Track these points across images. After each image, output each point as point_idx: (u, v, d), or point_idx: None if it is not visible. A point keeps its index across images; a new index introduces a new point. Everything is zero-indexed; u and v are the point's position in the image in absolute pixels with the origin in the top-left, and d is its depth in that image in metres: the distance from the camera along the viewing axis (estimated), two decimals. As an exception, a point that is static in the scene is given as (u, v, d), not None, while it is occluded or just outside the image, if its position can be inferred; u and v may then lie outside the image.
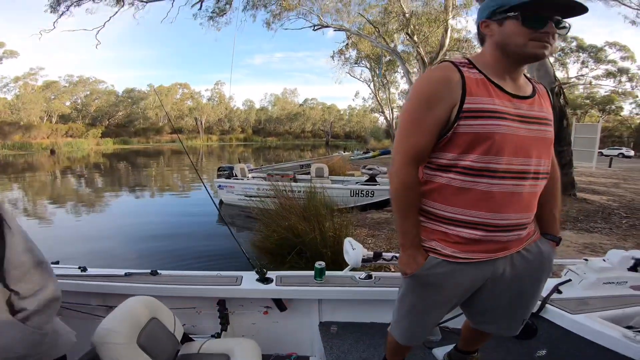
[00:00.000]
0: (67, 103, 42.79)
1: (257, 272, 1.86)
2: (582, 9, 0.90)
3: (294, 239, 3.97)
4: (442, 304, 1.10)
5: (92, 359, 1.20)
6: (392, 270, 3.06)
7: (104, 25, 13.66)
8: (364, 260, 1.78)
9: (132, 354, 1.25)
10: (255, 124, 59.76)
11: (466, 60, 0.98)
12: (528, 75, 1.06)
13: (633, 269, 1.68)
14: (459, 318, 1.54)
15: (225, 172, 8.69)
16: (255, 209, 5.26)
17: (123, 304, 1.44)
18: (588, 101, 33.52)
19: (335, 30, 17.67)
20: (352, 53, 25.04)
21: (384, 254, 1.83)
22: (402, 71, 20.68)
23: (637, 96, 31.04)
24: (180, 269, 2.17)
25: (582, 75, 29.39)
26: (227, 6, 14.49)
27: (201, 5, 14.26)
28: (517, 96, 0.96)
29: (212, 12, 14.63)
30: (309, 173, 9.23)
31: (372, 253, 1.82)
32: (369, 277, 1.87)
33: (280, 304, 1.82)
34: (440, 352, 1.63)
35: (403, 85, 31.98)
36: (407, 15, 15.11)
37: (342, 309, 1.86)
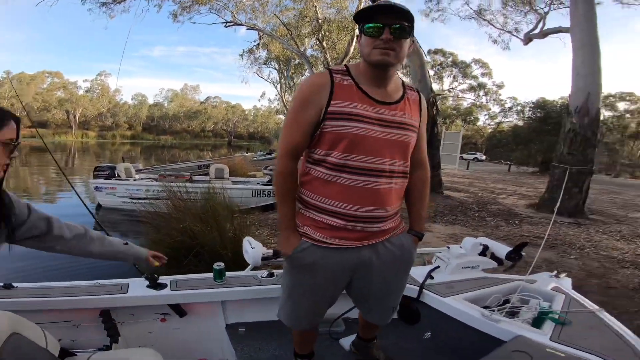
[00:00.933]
0: None
1: (146, 278, 1.69)
2: (409, 14, 1.00)
3: (190, 242, 3.73)
4: (317, 288, 1.19)
5: None
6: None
7: None
8: (264, 259, 1.77)
9: None
10: (147, 120, 53.76)
11: (344, 69, 1.09)
12: (409, 83, 1.21)
13: (482, 253, 1.97)
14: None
15: (104, 172, 7.55)
16: (144, 212, 4.75)
17: None
18: (454, 112, 40.11)
19: (248, 29, 17.20)
20: (262, 53, 24.78)
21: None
22: (308, 74, 21.38)
23: (489, 109, 38.57)
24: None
25: (453, 88, 34.90)
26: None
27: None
28: (380, 102, 1.06)
29: None
30: (207, 174, 8.74)
31: (271, 251, 1.82)
32: (271, 275, 1.85)
33: (179, 310, 1.69)
34: (346, 342, 1.71)
35: None
36: (320, 20, 15.68)
37: (248, 309, 1.82)
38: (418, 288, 1.69)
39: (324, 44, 16.43)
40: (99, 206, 7.53)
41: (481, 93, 34.21)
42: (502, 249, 1.93)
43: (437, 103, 8.93)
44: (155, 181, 7.41)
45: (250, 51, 23.57)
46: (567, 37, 7.06)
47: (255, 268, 1.89)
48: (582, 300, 1.56)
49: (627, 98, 31.44)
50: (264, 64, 27.19)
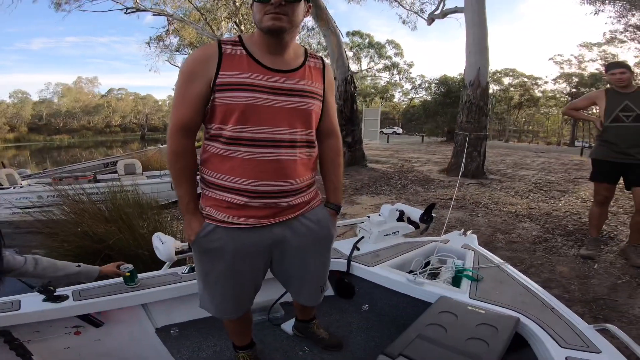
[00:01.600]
0: None
1: (40, 292, 1.49)
2: None
3: (95, 245, 3.29)
4: (231, 272, 1.12)
5: None
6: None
7: None
8: (177, 253, 1.63)
9: None
10: (33, 120, 45.84)
11: (236, 39, 1.04)
12: (314, 52, 1.16)
13: (400, 219, 2.04)
14: None
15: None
16: (35, 221, 4.06)
17: None
18: (373, 90, 42.37)
19: (154, 15, 15.32)
20: (174, 40, 22.59)
21: None
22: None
23: (402, 86, 41.50)
24: None
25: (370, 68, 36.72)
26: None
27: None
28: (275, 70, 1.02)
29: None
30: (115, 171, 7.80)
31: (186, 244, 1.69)
32: (192, 270, 1.71)
33: (91, 320, 1.52)
34: (287, 326, 1.67)
35: None
36: (237, 3, 14.75)
37: (177, 309, 1.68)
38: (346, 261, 1.69)
39: (242, 27, 15.67)
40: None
41: (394, 72, 36.43)
42: (416, 213, 2.01)
43: (355, 82, 9.22)
44: (49, 186, 6.35)
45: (159, 38, 21.40)
46: (462, 17, 7.72)
47: (174, 265, 1.75)
48: (489, 256, 1.70)
49: (510, 74, 36.59)
50: (176, 50, 25.23)
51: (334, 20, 8.45)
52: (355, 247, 1.80)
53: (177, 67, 31.24)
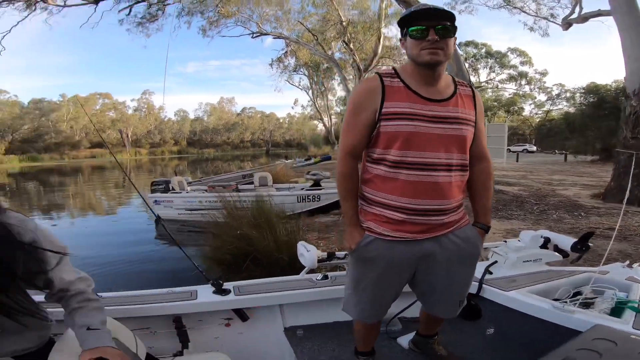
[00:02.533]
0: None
1: (212, 284, 1.79)
2: (450, 14, 1.08)
3: (246, 247, 3.90)
4: (381, 280, 1.23)
5: None
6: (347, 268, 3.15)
7: (9, 30, 11.96)
8: (319, 261, 1.82)
9: None
10: (190, 135, 56.72)
11: (393, 71, 1.16)
12: (457, 79, 1.23)
13: (544, 246, 1.90)
14: (415, 308, 1.64)
15: (160, 187, 8.10)
16: (201, 222, 5.05)
17: None
18: (495, 104, 38.04)
19: (274, 38, 17.72)
20: (291, 61, 25.25)
21: (337, 253, 1.90)
22: (339, 78, 21.41)
23: (535, 97, 36.06)
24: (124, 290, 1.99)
25: (491, 80, 33.28)
26: (160, 12, 13.69)
27: (130, 11, 13.28)
28: (431, 100, 1.11)
29: (141, 18, 13.71)
30: (252, 183, 9.05)
31: (325, 254, 1.87)
32: (326, 277, 1.89)
33: (242, 314, 1.76)
34: (404, 340, 1.71)
35: (340, 92, 33.05)
36: (344, 23, 15.76)
37: (305, 312, 1.86)
38: (477, 284, 1.66)
39: (351, 46, 16.41)
40: (158, 218, 8.09)
41: (523, 82, 32.18)
42: (566, 241, 1.86)
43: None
44: (206, 192, 7.82)
45: (279, 60, 24.09)
46: (610, 19, 6.66)
47: (310, 271, 1.93)
48: None
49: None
50: (294, 71, 27.65)
51: None
52: (487, 270, 1.76)
53: (295, 86, 34.67)
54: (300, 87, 33.63)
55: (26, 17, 11.72)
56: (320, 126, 45.70)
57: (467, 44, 31.39)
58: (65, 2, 12.11)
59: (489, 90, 35.38)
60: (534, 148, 33.29)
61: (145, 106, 51.40)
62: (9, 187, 18.15)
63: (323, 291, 1.79)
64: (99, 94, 47.46)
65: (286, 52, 22.55)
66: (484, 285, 1.66)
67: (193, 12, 14.68)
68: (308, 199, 7.37)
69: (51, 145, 41.43)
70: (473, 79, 29.76)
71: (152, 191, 8.12)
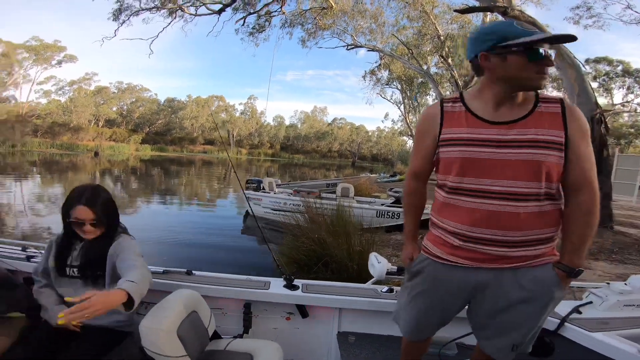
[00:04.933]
0: (114, 108, 45.55)
1: (285, 279, 1.94)
2: (572, 38, 1.00)
3: (321, 251, 4.10)
4: (426, 300, 1.22)
5: (136, 344, 1.33)
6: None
7: (157, 35, 14.63)
8: (388, 274, 1.84)
9: (170, 342, 1.35)
10: (284, 140, 60.67)
11: (457, 96, 1.15)
12: (544, 94, 1.09)
13: None
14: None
15: (253, 185, 8.96)
16: (282, 222, 5.44)
17: (173, 293, 1.57)
18: (632, 130, 31.15)
19: (368, 51, 18.00)
20: (384, 74, 25.13)
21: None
22: (434, 94, 20.56)
23: None
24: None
25: (628, 102, 27.51)
26: (267, 23, 15.21)
27: (244, 22, 14.99)
28: (497, 122, 1.05)
29: (252, 28, 15.39)
30: (334, 192, 9.34)
31: (396, 267, 1.88)
32: (391, 290, 1.91)
33: (303, 311, 1.87)
34: None
35: None
36: (442, 37, 15.20)
37: (362, 320, 1.89)
38: (558, 321, 1.53)
39: (450, 61, 15.56)
40: (247, 214, 8.96)
41: (671, 106, 25.90)
42: None
43: (606, 120, 7.26)
44: (291, 195, 8.37)
45: (372, 72, 23.99)
46: None
47: (377, 283, 1.96)
48: None
49: None
50: (386, 84, 27.18)
51: (569, 50, 7.12)
52: (576, 309, 1.60)
53: (387, 99, 34.20)
54: (392, 101, 33.11)
55: (169, 24, 14.25)
56: (410, 142, 44.33)
57: (598, 60, 26.74)
58: (196, 11, 14.31)
59: (625, 114, 29.39)
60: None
61: (250, 110, 57.08)
62: (139, 171, 22.15)
63: (384, 303, 1.81)
64: (216, 96, 54.46)
65: (379, 64, 22.50)
66: (566, 324, 1.51)
67: (294, 23, 15.85)
68: (387, 215, 7.29)
69: (176, 139, 49.00)
70: (604, 100, 25.17)
71: (246, 188, 9.03)
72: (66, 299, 1.29)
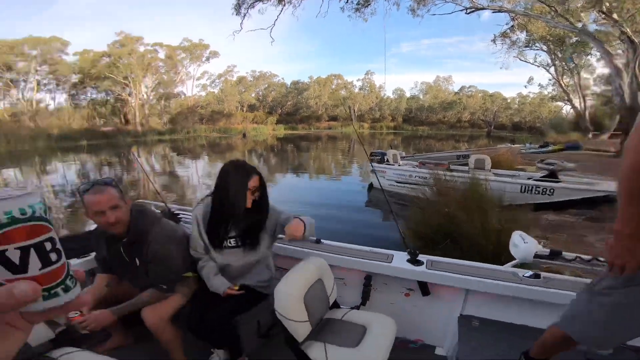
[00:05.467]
0: (252, 95, 52.34)
1: (409, 253, 1.85)
2: None
3: (450, 227, 3.80)
4: None
5: (270, 305, 1.47)
6: (571, 274, 2.53)
7: (274, 24, 15.81)
8: (537, 257, 1.56)
9: (297, 307, 1.43)
10: (405, 112, 58.37)
11: None
12: None
13: None
14: None
15: (377, 157, 8.92)
16: (407, 195, 5.26)
17: (305, 260, 1.68)
18: None
19: (493, 12, 15.14)
20: (521, 35, 20.99)
21: (564, 253, 1.56)
22: (597, 53, 16.16)
23: None
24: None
25: None
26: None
27: (348, -1, 14.61)
28: None
29: (357, 4, 14.87)
30: (466, 164, 8.44)
31: (548, 250, 1.58)
32: (537, 276, 1.60)
33: (425, 288, 1.77)
34: None
35: (600, 69, 24.72)
36: None
37: (491, 306, 1.68)
38: None
39: (615, 16, 11.57)
40: (371, 186, 9.05)
41: None
42: None
43: None
44: (417, 167, 7.98)
45: (504, 35, 20.29)
46: None
47: (519, 266, 1.71)
48: None
49: None
50: (526, 46, 22.89)
51: None
52: None
53: (529, 63, 28.29)
54: (536, 63, 27.44)
55: (281, 11, 15.13)
56: (567, 108, 36.02)
57: None
58: None
59: None
60: None
61: (368, 85, 56.68)
62: (276, 148, 24.99)
63: (525, 289, 1.54)
64: (334, 75, 56.10)
65: (512, 26, 18.87)
66: None
67: None
68: (536, 190, 6.15)
69: (304, 117, 53.16)
70: None
71: (370, 161, 9.07)
72: (227, 291, 1.67)
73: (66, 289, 0.38)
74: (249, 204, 1.71)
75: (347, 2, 15.11)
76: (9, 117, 28.35)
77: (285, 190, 9.60)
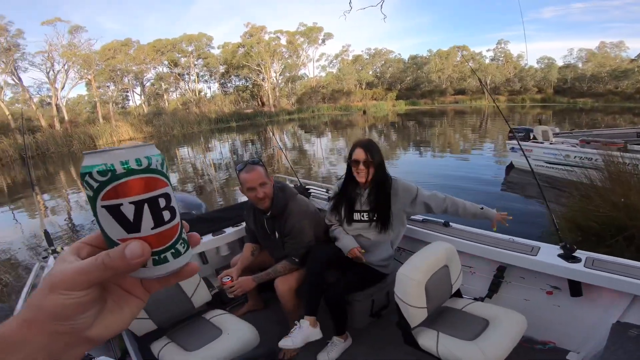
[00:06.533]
0: (370, 72, 51.79)
1: (562, 247, 1.58)
2: None
3: (625, 220, 3.04)
4: None
5: (387, 285, 1.43)
6: None
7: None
8: None
9: (418, 292, 1.37)
10: (558, 83, 48.16)
11: None
12: None
13: None
14: None
15: (520, 134, 7.65)
16: (562, 179, 4.37)
17: (432, 244, 1.60)
18: None
19: None
20: None
21: None
22: None
23: None
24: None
25: None
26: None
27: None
28: None
29: None
30: (651, 143, 6.42)
31: None
32: None
33: (577, 288, 1.51)
34: None
35: None
36: None
37: None
38: None
39: None
40: (510, 166, 7.88)
41: None
42: None
43: None
44: (575, 146, 6.50)
45: None
46: None
47: None
48: None
49: None
50: None
51: None
52: None
53: None
54: None
55: None
56: None
57: None
58: None
59: None
60: None
61: (502, 55, 48.98)
62: (397, 124, 24.27)
63: None
64: (458, 47, 50.19)
65: None
66: None
67: None
68: None
69: (425, 92, 49.93)
70: None
71: (510, 138, 7.86)
72: (354, 250, 1.77)
73: (176, 254, 0.33)
74: (359, 178, 1.74)
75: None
76: (181, 105, 35.72)
77: (406, 169, 9.28)
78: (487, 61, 50.96)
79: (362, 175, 1.77)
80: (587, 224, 3.38)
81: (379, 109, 39.46)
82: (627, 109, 29.39)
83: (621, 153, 4.53)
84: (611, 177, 3.77)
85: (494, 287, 1.75)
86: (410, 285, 1.38)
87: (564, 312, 1.63)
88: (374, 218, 1.82)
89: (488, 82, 48.30)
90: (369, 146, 1.76)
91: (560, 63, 50.01)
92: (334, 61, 50.59)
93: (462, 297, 1.68)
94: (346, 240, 1.81)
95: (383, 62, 53.39)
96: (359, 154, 1.75)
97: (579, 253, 1.58)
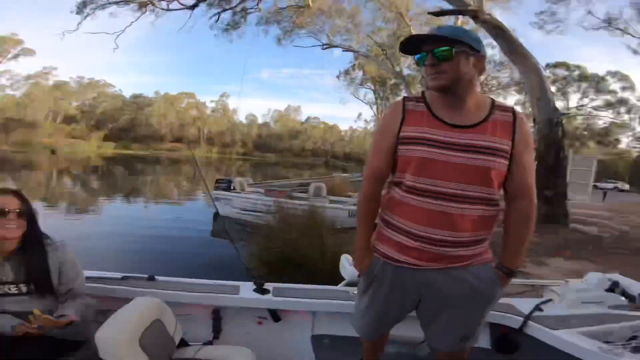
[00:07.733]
0: (74, 104, 43.04)
1: (255, 283, 1.87)
2: (445, 37, 1.03)
3: (293, 253, 4.00)
4: (382, 302, 1.23)
5: (92, 354, 1.20)
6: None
7: (124, 30, 13.84)
8: (360, 275, 1.83)
9: (132, 352, 1.25)
10: (256, 138, 59.94)
11: (420, 95, 1.16)
12: (500, 102, 1.14)
13: (610, 290, 1.78)
14: None
15: (223, 184, 8.69)
16: (254, 222, 5.29)
17: (132, 302, 1.45)
18: (585, 133, 33.48)
19: (343, 51, 18.20)
20: (359, 74, 25.66)
21: None
22: (405, 95, 21.14)
23: (634, 128, 30.79)
24: (175, 277, 2.15)
25: (582, 106, 29.16)
26: (242, 20, 14.97)
27: (219, 18, 14.63)
28: (453, 125, 1.07)
29: (227, 25, 15.02)
30: (307, 192, 9.24)
31: None
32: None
33: (275, 315, 1.81)
34: None
35: None
36: None
37: (336, 323, 1.85)
38: (522, 319, 1.59)
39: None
40: (216, 214, 8.66)
41: (622, 110, 28.17)
42: (636, 286, 1.77)
43: (563, 123, 7.74)
44: (262, 195, 8.18)
45: (347, 72, 24.63)
46: None
47: (349, 285, 1.93)
48: None
49: None
50: (360, 84, 28.00)
51: (532, 56, 7.47)
52: (537, 307, 1.67)
53: (360, 100, 34.47)
54: (365, 101, 33.65)
55: (138, 18, 13.52)
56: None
57: (557, 65, 28.54)
58: (168, 6, 13.68)
59: (579, 117, 31.64)
60: (627, 186, 28.99)
61: (222, 108, 55.85)
62: (101, 169, 20.94)
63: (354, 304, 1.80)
64: (185, 93, 52.75)
65: (354, 65, 23.01)
66: (529, 322, 1.58)
67: (270, 21, 15.74)
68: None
69: (141, 136, 46.95)
70: (561, 104, 26.83)
71: (216, 188, 8.73)
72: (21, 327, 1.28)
73: None
74: (7, 231, 1.36)
75: (216, 21, 14.71)
76: None
77: (111, 222, 8.03)
78: (209, 112, 55.15)
79: (11, 228, 1.37)
80: (270, 259, 4.17)
81: (77, 149, 32.57)
82: (295, 164, 40.92)
83: (286, 200, 6.13)
84: (281, 219, 4.95)
85: (217, 328, 1.80)
86: (118, 347, 1.21)
87: (276, 337, 1.86)
88: (30, 288, 1.43)
89: (206, 132, 52.22)
90: (20, 194, 1.43)
91: (260, 120, 62.47)
92: (22, 82, 37.88)
93: (189, 344, 1.63)
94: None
95: (96, 95, 45.97)
96: (9, 202, 1.38)
97: (268, 285, 1.85)
